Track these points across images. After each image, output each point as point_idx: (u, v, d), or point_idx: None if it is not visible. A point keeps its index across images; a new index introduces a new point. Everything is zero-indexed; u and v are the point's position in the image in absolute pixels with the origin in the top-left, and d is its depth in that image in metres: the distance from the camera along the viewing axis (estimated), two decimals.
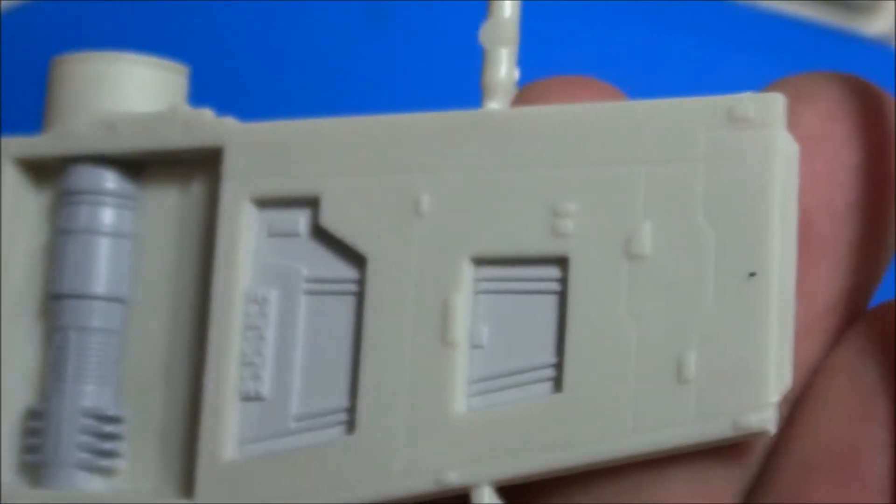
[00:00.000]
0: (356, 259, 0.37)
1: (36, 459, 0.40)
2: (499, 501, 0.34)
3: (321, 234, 0.37)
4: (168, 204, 0.40)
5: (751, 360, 0.33)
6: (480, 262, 0.36)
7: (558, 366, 0.35)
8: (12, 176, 0.41)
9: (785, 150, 0.34)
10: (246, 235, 0.38)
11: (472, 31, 0.37)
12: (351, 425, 0.36)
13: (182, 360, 0.39)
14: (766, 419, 0.33)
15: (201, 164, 0.40)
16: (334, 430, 0.36)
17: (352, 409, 0.36)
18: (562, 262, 0.35)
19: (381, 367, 0.36)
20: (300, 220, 0.38)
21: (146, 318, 0.40)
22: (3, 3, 0.59)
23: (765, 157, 0.34)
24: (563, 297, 0.35)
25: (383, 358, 0.36)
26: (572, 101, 0.36)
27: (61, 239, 0.40)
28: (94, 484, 0.39)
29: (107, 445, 0.40)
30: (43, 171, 0.42)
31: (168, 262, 0.40)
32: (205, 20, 0.60)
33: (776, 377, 0.33)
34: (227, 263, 0.38)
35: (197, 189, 0.40)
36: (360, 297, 0.37)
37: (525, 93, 0.37)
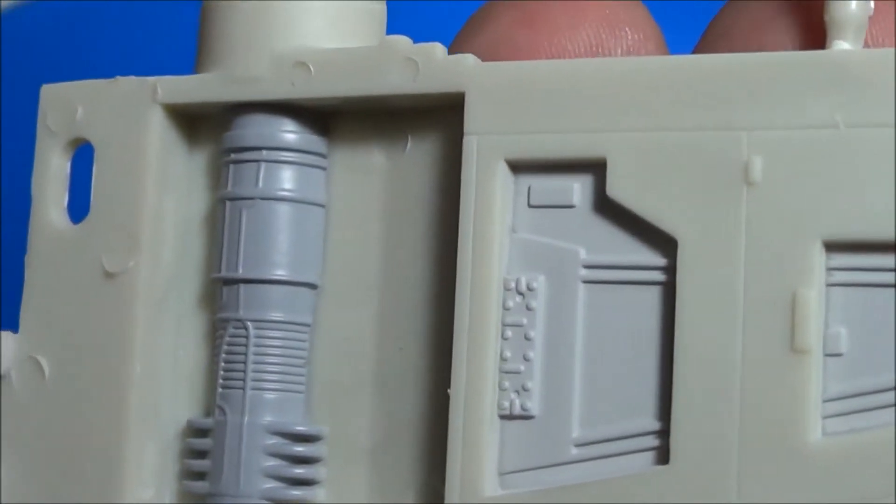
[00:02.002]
0: (659, 241, 0.29)
1: (204, 489, 0.31)
2: None
3: (607, 208, 0.29)
4: (370, 165, 0.32)
5: None
6: (832, 247, 0.28)
7: None
8: (163, 127, 0.32)
9: None
10: (501, 206, 0.29)
11: None
12: (663, 453, 0.28)
13: (401, 361, 0.31)
14: None
15: (412, 115, 0.31)
16: (637, 460, 0.28)
17: (663, 433, 0.28)
18: None
19: (704, 380, 0.28)
20: (574, 188, 0.29)
21: (345, 309, 0.32)
22: (3, 3, 0.55)
23: None
24: None
25: (706, 367, 0.28)
26: None
27: (230, 207, 0.32)
28: None
29: (301, 471, 0.31)
30: (201, 121, 0.33)
31: (373, 239, 0.31)
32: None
33: None
34: (478, 242, 0.29)
35: (414, 146, 0.31)
36: (666, 288, 0.28)
37: None
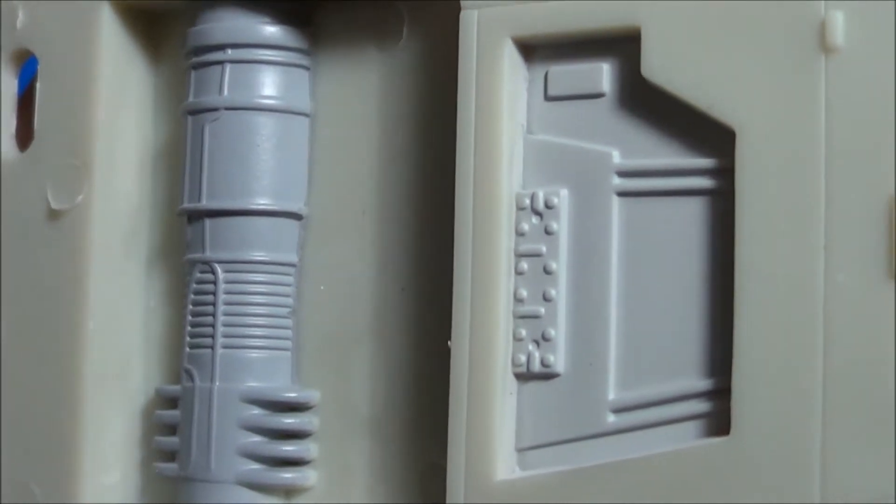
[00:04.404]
0: (713, 133, 0.21)
1: (174, 472, 0.25)
2: None
3: (645, 94, 0.22)
4: (362, 60, 0.25)
5: None
6: None
7: None
8: (114, 29, 0.27)
9: None
10: (510, 99, 0.23)
11: None
12: (718, 421, 0.21)
13: (404, 306, 0.24)
14: None
15: None
16: (686, 429, 0.21)
17: (716, 394, 0.21)
18: None
19: (775, 318, 0.20)
20: (603, 70, 0.22)
21: (337, 242, 0.25)
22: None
23: None
24: None
25: (777, 301, 0.20)
26: None
27: (192, 123, 0.25)
28: None
29: (288, 448, 0.25)
30: (166, 22, 0.27)
31: (369, 153, 0.25)
32: None
33: None
34: (481, 146, 0.23)
35: (412, 34, 0.25)
36: (722, 199, 0.21)
37: None
